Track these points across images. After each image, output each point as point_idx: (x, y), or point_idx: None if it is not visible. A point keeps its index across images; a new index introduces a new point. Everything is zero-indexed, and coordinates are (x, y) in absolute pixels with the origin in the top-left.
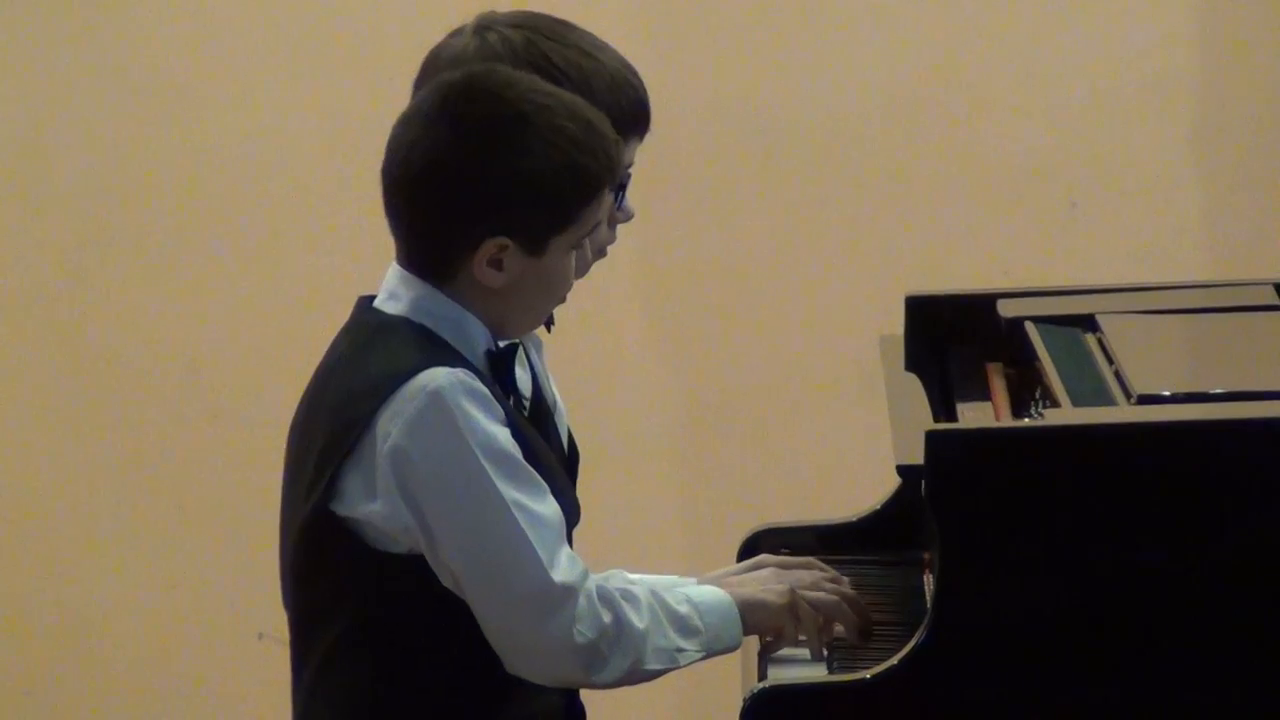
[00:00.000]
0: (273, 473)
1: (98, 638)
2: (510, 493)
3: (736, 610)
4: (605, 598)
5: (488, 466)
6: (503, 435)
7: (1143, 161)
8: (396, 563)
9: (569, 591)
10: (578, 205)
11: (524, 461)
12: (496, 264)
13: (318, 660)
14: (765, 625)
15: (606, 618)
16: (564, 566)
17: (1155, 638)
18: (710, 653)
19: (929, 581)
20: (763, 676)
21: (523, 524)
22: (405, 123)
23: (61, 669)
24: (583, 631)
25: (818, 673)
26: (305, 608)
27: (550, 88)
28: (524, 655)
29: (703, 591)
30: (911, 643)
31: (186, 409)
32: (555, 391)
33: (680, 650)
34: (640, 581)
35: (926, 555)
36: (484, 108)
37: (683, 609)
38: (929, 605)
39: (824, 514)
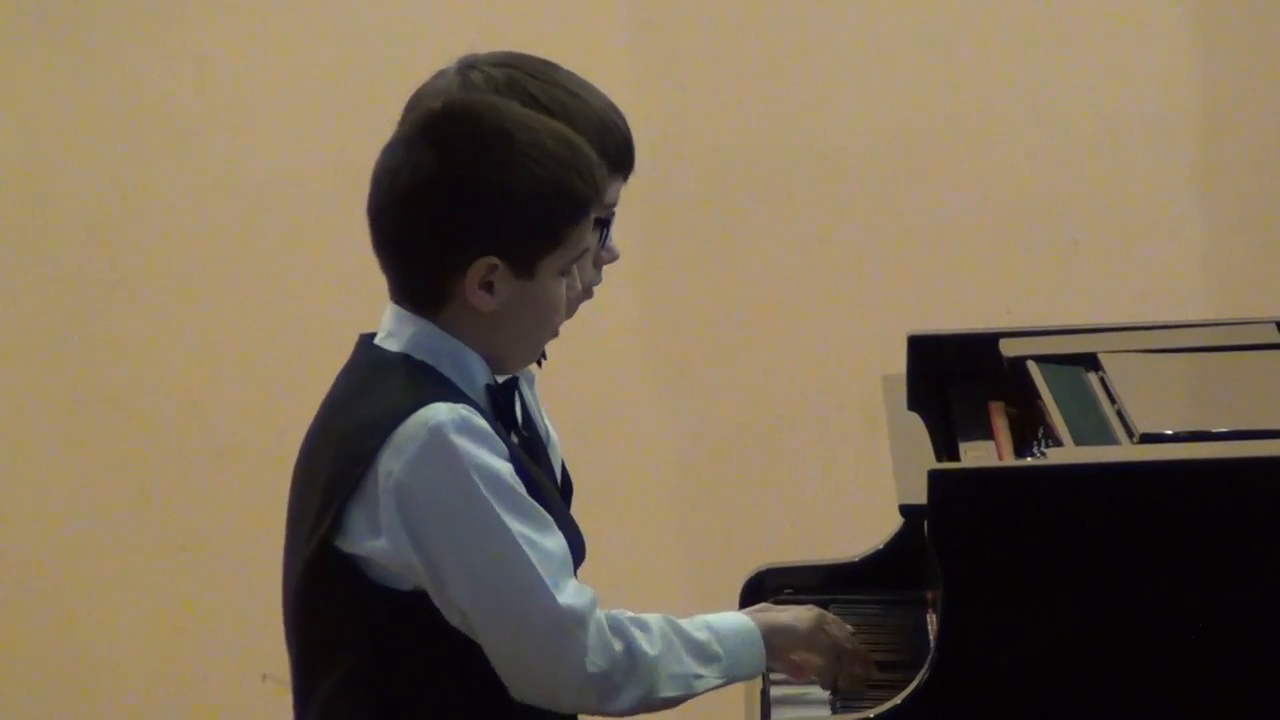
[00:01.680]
0: (276, 512)
1: (101, 679)
2: (515, 524)
3: (759, 634)
4: (616, 626)
5: (491, 499)
6: (505, 469)
7: (1145, 200)
8: (401, 600)
9: (578, 618)
10: (564, 224)
11: (528, 496)
12: (487, 286)
13: (322, 700)
14: (787, 650)
15: (618, 646)
16: (572, 594)
17: (1159, 676)
18: (731, 678)
19: (932, 620)
20: (766, 717)
21: (529, 554)
22: (388, 152)
23: (65, 710)
24: (595, 660)
25: (821, 714)
26: (308, 647)
27: (531, 112)
28: (537, 685)
29: (724, 616)
30: (915, 682)
31: (189, 448)
32: (548, 424)
33: (697, 677)
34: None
35: (929, 594)
36: (466, 128)
37: (701, 635)
38: (932, 644)
39: (827, 553)
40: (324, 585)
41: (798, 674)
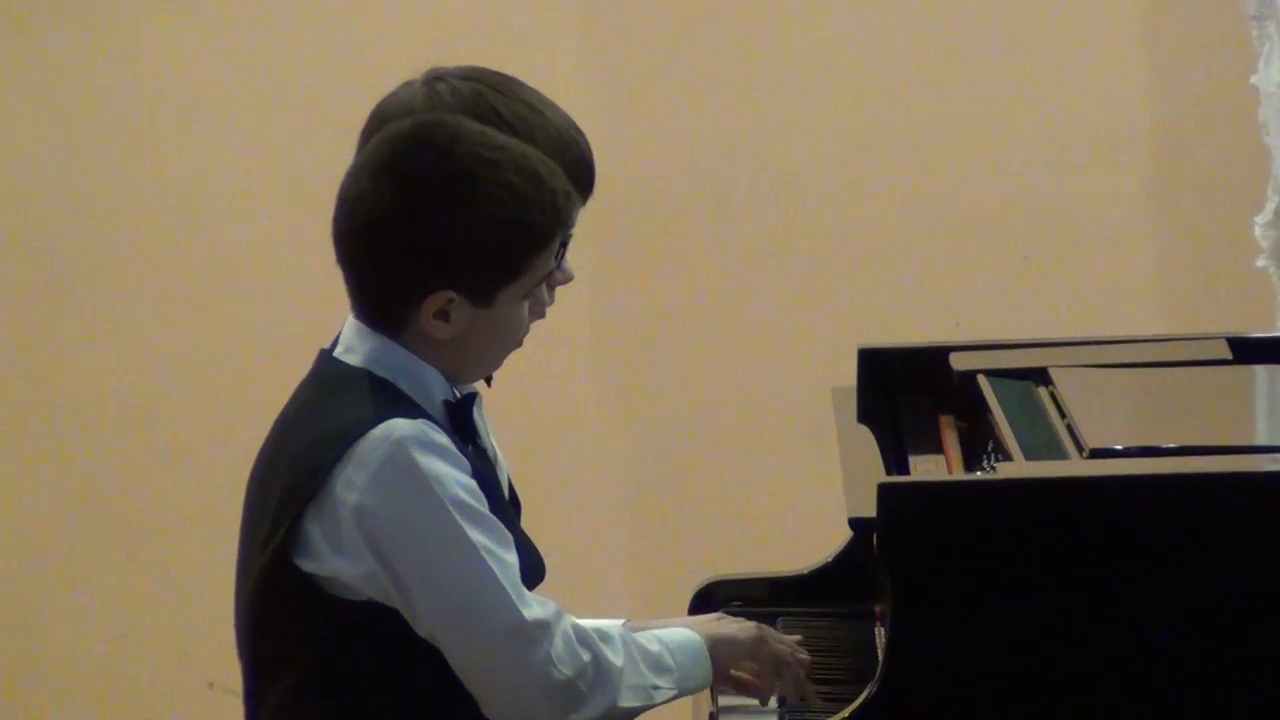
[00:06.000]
0: (223, 520)
1: (46, 686)
2: (478, 537)
3: (705, 648)
4: (582, 637)
5: (454, 513)
6: (467, 484)
7: (1096, 215)
8: (351, 609)
9: (543, 627)
10: (524, 257)
11: (488, 512)
12: (444, 316)
13: (271, 708)
14: (731, 662)
15: (585, 656)
16: (536, 605)
17: (1108, 690)
18: (682, 691)
19: (880, 634)
20: None
21: (493, 566)
22: (354, 175)
23: (9, 717)
24: (561, 670)
25: None
26: (260, 656)
27: (500, 140)
28: (504, 696)
29: (671, 631)
30: (863, 696)
31: (138, 456)
32: (494, 444)
33: (655, 688)
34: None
35: (878, 608)
36: (428, 162)
37: (654, 647)
38: (880, 658)
39: (775, 566)
40: (277, 596)
41: (741, 688)
